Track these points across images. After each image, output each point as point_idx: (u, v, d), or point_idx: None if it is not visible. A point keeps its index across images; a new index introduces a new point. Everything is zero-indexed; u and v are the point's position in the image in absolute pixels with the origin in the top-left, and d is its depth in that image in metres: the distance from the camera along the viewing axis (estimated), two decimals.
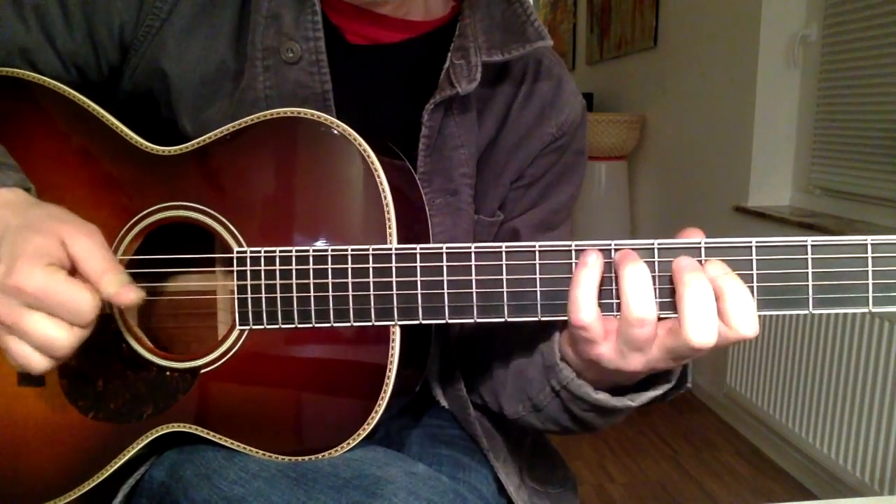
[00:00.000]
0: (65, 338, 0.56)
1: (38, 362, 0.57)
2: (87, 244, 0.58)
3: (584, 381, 0.64)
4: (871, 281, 0.54)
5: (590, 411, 0.67)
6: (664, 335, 0.56)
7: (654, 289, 0.56)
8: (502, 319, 0.60)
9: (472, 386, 0.81)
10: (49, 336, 0.56)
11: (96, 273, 0.57)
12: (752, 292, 0.55)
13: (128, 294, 0.58)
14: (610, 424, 0.70)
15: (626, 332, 0.56)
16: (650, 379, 0.64)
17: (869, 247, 0.54)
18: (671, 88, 3.06)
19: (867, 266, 0.54)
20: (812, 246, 0.54)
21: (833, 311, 0.55)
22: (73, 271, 0.58)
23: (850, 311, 0.54)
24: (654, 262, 0.56)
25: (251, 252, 0.63)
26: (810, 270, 0.54)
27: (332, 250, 0.61)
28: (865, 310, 0.54)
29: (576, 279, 0.56)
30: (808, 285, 0.55)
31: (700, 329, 0.53)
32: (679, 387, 0.65)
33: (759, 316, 0.54)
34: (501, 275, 0.59)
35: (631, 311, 0.55)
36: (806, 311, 0.55)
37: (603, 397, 0.64)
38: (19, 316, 0.55)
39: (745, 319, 0.54)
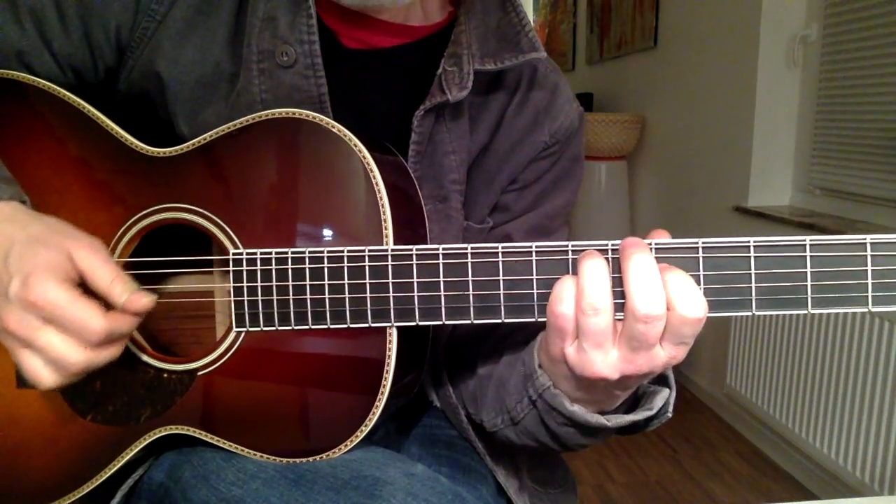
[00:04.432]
0: (76, 356, 0.57)
1: (47, 378, 0.57)
2: (94, 258, 0.59)
3: (560, 391, 0.62)
4: (870, 280, 0.53)
5: (566, 425, 0.64)
6: (620, 328, 0.54)
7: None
8: (499, 320, 0.59)
9: (457, 394, 0.79)
10: (60, 353, 0.56)
11: (105, 284, 0.58)
12: (751, 292, 0.55)
13: (140, 300, 0.59)
14: (586, 445, 0.67)
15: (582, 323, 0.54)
16: (633, 406, 0.63)
17: (868, 246, 0.53)
18: (671, 88, 3.05)
19: (866, 265, 0.53)
20: (811, 245, 0.54)
21: (832, 311, 0.54)
22: (81, 287, 0.58)
23: (849, 310, 0.54)
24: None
25: (247, 254, 0.63)
26: (809, 270, 0.54)
27: (329, 251, 0.61)
28: (864, 309, 0.53)
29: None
30: (806, 285, 0.54)
31: (645, 297, 0.52)
32: (659, 416, 0.64)
33: (759, 316, 0.54)
34: (498, 276, 0.58)
35: (586, 298, 0.53)
36: (805, 311, 0.54)
37: (577, 409, 0.61)
38: (34, 330, 0.56)
39: (689, 300, 0.52)
